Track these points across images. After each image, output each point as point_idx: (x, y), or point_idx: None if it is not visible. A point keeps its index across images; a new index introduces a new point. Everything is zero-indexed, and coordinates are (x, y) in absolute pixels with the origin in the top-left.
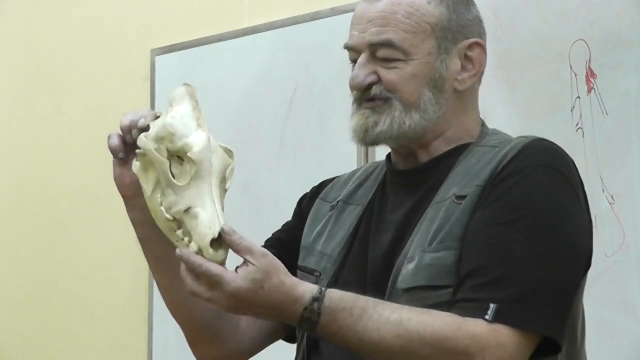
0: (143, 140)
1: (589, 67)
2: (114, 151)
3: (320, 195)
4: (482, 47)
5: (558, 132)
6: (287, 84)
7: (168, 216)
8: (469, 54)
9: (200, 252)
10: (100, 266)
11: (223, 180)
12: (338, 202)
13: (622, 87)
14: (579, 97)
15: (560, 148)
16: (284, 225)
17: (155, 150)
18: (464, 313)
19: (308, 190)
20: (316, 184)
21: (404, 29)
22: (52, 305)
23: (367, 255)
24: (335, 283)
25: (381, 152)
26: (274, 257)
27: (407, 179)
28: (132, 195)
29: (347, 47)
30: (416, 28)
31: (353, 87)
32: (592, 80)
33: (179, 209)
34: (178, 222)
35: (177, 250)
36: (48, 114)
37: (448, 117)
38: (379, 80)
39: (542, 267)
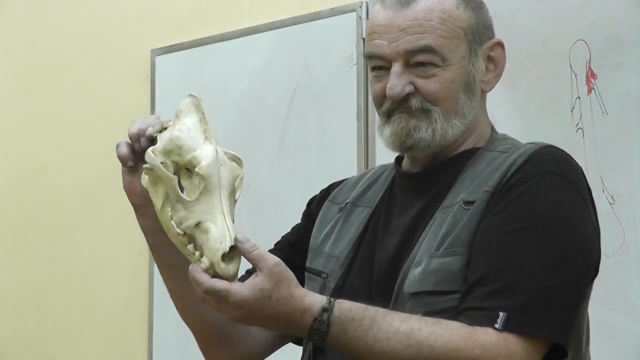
0: (150, 155)
1: (589, 67)
2: (122, 159)
3: (329, 197)
4: (503, 47)
5: (558, 132)
6: (287, 84)
7: (179, 231)
8: (491, 54)
9: (212, 266)
10: (100, 266)
11: (232, 192)
12: (346, 204)
13: (622, 87)
14: (578, 97)
15: (569, 155)
16: (293, 228)
17: (163, 164)
18: (472, 321)
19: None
20: (316, 183)
21: (440, 35)
22: (52, 305)
23: (374, 257)
24: (342, 285)
25: (382, 154)
26: (286, 267)
27: (416, 182)
28: (142, 204)
29: (374, 56)
30: (451, 33)
31: (391, 98)
32: (592, 80)
33: (189, 224)
34: (189, 237)
35: (190, 266)
36: (48, 114)
37: (475, 119)
38: (415, 90)
39: (551, 274)
